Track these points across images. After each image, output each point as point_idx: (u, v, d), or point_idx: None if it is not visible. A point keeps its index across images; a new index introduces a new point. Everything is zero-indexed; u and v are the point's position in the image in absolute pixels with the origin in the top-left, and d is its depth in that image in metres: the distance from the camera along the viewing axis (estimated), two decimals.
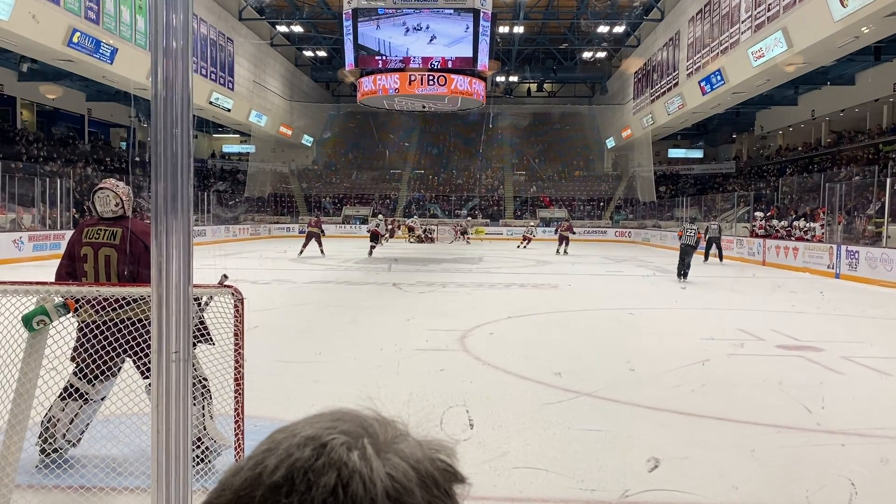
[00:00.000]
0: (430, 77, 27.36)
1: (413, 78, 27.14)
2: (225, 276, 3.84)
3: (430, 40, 27.58)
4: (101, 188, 4.22)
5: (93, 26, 23.37)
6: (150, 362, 3.80)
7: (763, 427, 5.02)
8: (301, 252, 22.92)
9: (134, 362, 3.94)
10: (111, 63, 24.34)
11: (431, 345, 7.78)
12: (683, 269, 16.37)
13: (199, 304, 3.63)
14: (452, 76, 27.64)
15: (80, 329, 3.85)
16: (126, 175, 31.16)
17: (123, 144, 40.06)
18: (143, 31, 26.21)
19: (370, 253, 23.76)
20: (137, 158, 34.89)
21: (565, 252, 26.91)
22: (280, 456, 0.53)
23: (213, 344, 3.59)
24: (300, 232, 41.01)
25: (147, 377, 3.90)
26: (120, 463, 3.80)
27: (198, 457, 3.69)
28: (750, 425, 5.10)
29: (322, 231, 23.41)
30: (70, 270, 4.13)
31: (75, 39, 22.23)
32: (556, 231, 29.12)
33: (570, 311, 11.22)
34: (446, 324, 9.27)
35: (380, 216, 31.61)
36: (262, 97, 40.38)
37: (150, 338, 3.64)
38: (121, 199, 4.18)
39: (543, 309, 11.23)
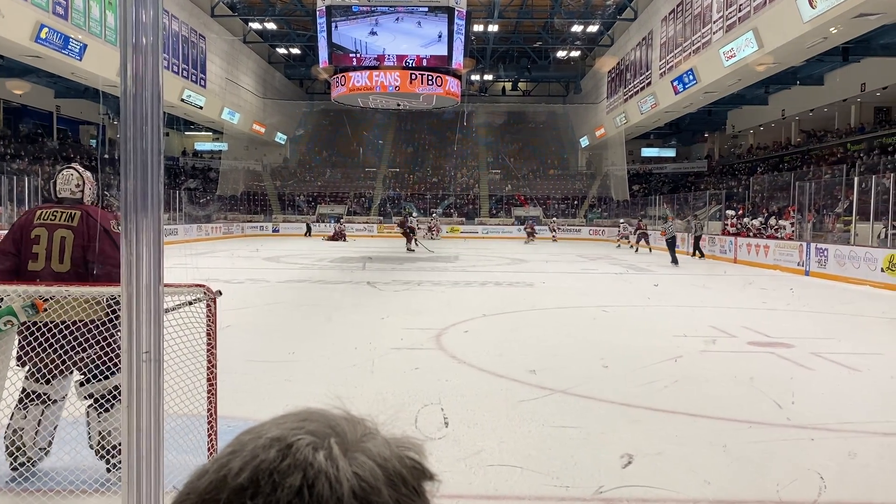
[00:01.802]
0: (428, 77, 27.40)
1: (413, 77, 27.24)
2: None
3: (406, 35, 27.55)
4: (66, 167, 4.04)
5: (61, 22, 23.00)
6: (95, 369, 3.70)
7: (735, 422, 5.09)
8: (413, 248, 26.00)
9: (79, 369, 3.73)
10: (80, 59, 23.97)
11: (406, 343, 7.78)
12: (674, 258, 21.14)
13: None
14: (444, 76, 27.73)
15: (20, 332, 3.63)
16: (95, 173, 30.66)
17: (93, 142, 39.46)
18: (113, 27, 25.85)
19: (412, 247, 26.46)
20: (107, 156, 34.39)
21: (650, 250, 27.85)
22: (245, 458, 0.52)
23: None
24: (273, 230, 40.84)
25: (87, 382, 3.79)
26: (91, 465, 3.75)
27: (116, 464, 3.57)
28: (722, 421, 5.17)
29: (411, 228, 26.76)
30: (10, 249, 3.79)
31: (43, 35, 21.86)
32: (636, 231, 29.60)
33: (545, 309, 11.27)
34: (421, 322, 9.27)
35: (414, 213, 35.86)
36: (235, 94, 40.03)
37: (97, 342, 3.57)
38: (82, 182, 3.97)
39: (518, 307, 11.27)
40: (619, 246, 32.25)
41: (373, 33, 27.48)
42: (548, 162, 49.76)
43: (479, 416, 5.12)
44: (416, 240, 27.31)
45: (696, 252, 23.99)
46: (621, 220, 35.89)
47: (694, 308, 11.70)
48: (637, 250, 28.16)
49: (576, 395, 5.74)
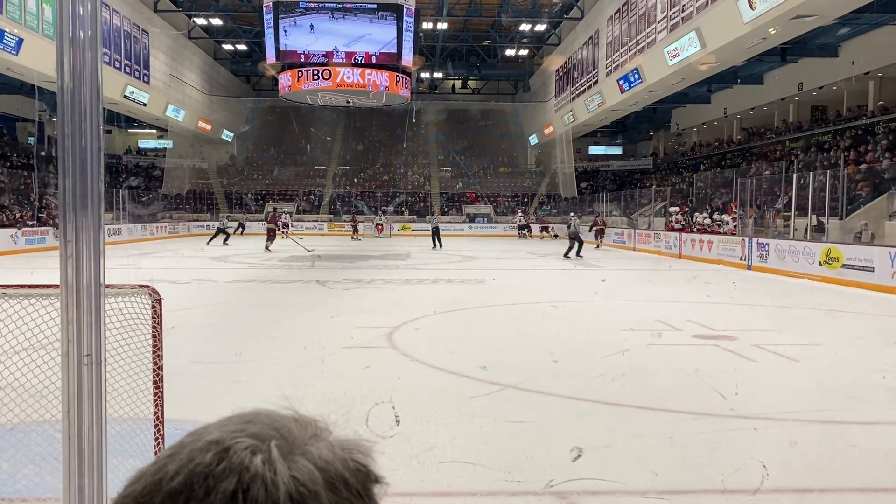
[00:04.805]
0: (404, 81, 27.28)
1: (398, 79, 27.08)
2: None
3: (356, 40, 27.37)
4: None
5: None
6: None
7: (681, 414, 5.20)
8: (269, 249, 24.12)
9: None
10: (16, 54, 23.17)
11: (357, 342, 7.74)
12: (438, 243, 27.15)
13: None
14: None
15: None
16: (32, 171, 29.74)
17: (31, 139, 38.19)
18: (51, 20, 25.05)
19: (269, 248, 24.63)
20: (43, 153, 33.28)
21: (600, 246, 28.38)
22: (181, 461, 0.51)
23: None
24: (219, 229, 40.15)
25: None
26: (30, 472, 3.63)
27: None
28: (668, 412, 5.27)
29: (278, 227, 25.25)
30: None
31: None
32: (591, 228, 29.56)
33: (496, 306, 11.34)
34: (373, 321, 9.23)
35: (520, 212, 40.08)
36: (180, 91, 39.19)
37: None
38: None
39: (470, 304, 11.32)
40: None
41: (320, 30, 27.23)
42: (498, 159, 50.04)
43: (430, 413, 5.13)
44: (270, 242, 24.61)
45: (570, 252, 22.57)
46: (572, 214, 35.95)
47: (640, 302, 11.92)
48: (597, 246, 28.48)
49: (526, 390, 5.79)
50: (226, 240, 28.10)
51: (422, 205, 45.79)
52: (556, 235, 35.79)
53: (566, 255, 22.35)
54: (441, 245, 27.61)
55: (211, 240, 27.82)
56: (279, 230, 26.71)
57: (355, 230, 35.65)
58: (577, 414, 5.25)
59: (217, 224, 29.88)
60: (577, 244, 22.37)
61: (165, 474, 0.51)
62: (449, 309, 10.71)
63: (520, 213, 40.45)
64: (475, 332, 8.83)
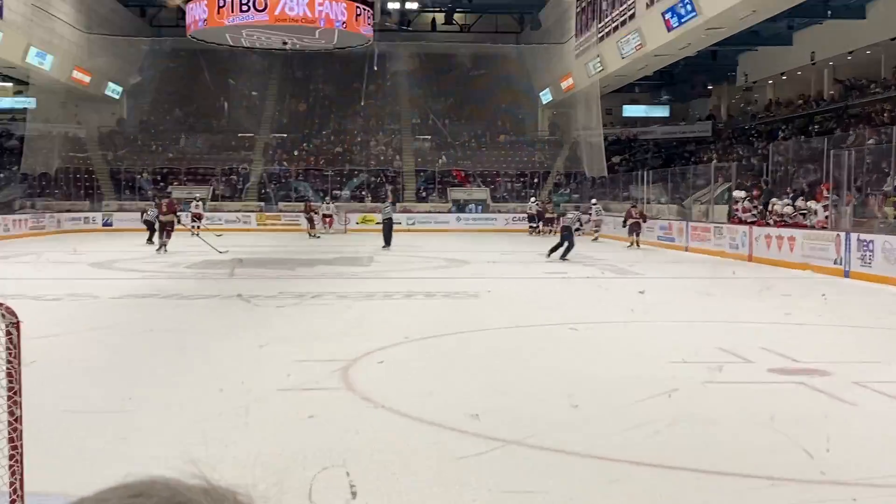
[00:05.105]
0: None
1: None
2: None
3: None
4: None
5: None
6: None
7: (752, 479, 5.21)
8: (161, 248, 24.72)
9: None
10: None
11: (296, 381, 7.71)
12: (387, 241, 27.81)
13: None
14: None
15: None
16: None
17: None
18: None
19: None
20: None
21: (637, 245, 29.00)
22: None
23: None
24: (105, 224, 39.89)
25: None
26: None
27: None
28: (735, 477, 5.29)
29: (178, 219, 25.95)
30: None
31: None
32: (625, 221, 30.18)
33: (493, 329, 11.34)
34: (320, 351, 9.21)
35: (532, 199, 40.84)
36: (48, 28, 38.89)
37: None
38: None
39: (455, 327, 11.30)
40: (595, 239, 32.64)
41: None
42: (497, 125, 50.04)
43: (399, 481, 5.12)
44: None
45: (553, 252, 23.41)
46: (593, 202, 36.26)
47: (694, 323, 11.95)
48: (631, 245, 28.81)
49: (535, 448, 5.79)
50: (150, 237, 27.63)
51: (390, 187, 45.72)
52: (577, 229, 36.09)
53: (549, 252, 23.09)
54: (389, 244, 27.76)
55: (150, 237, 27.58)
56: (182, 224, 26.33)
57: (311, 223, 35.34)
58: (607, 480, 5.26)
59: (146, 217, 29.61)
60: (566, 243, 22.88)
61: None
62: (427, 334, 10.70)
63: (532, 199, 40.55)
64: (463, 365, 8.83)
